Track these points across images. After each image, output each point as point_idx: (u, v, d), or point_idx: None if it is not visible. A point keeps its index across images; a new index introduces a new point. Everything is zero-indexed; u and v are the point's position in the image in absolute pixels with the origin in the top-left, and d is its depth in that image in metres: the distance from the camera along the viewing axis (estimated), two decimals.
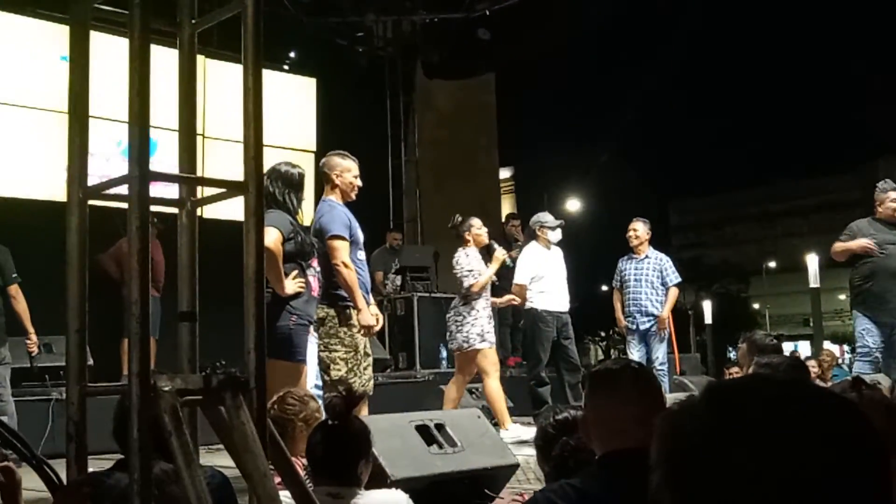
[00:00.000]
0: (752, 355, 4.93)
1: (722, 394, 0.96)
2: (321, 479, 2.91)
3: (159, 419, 1.87)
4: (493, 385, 7.57)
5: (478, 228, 7.77)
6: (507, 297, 8.49)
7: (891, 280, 7.64)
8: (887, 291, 7.65)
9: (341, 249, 5.77)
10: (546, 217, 8.75)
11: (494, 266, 7.69)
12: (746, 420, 0.89)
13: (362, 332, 5.86)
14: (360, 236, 6.05)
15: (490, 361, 7.57)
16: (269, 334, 5.32)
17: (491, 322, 7.68)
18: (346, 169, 6.04)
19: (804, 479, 0.85)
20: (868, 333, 7.62)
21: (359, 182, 6.08)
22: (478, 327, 7.51)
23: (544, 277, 8.43)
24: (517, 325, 10.82)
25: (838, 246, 7.83)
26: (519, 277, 8.55)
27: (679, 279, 9.23)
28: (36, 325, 7.24)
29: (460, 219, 7.84)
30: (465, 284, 7.55)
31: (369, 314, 5.86)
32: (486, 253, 7.91)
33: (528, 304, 8.45)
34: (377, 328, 6.08)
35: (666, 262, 9.14)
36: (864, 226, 7.84)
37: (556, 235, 8.59)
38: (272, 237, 5.20)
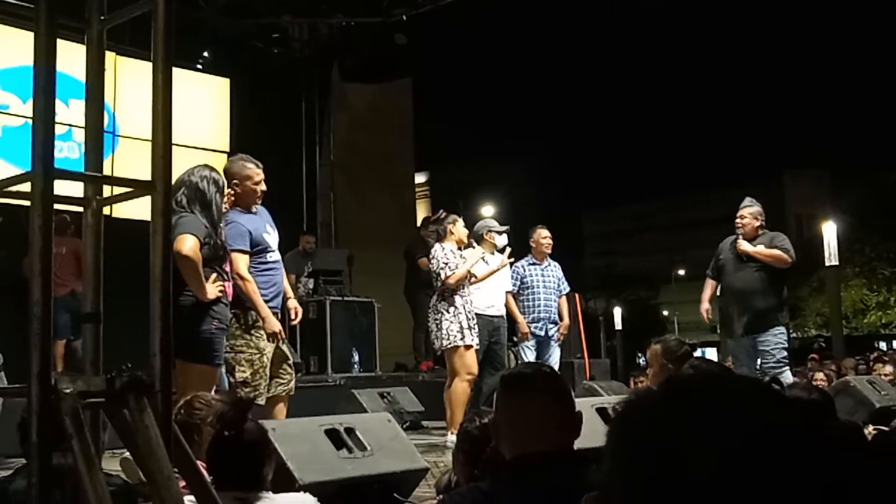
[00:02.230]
0: (666, 360, 5.02)
1: (678, 388, 0.97)
2: (225, 485, 2.88)
3: (60, 422, 1.84)
4: (460, 388, 7.35)
5: (462, 226, 7.67)
6: None
7: (730, 299, 7.97)
8: (728, 311, 8.00)
9: (238, 262, 5.78)
10: (493, 223, 8.75)
11: (472, 261, 7.54)
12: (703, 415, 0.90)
13: (269, 339, 5.87)
14: (269, 240, 6.05)
15: (463, 362, 7.37)
16: (193, 338, 5.29)
17: (471, 320, 7.45)
18: (246, 177, 5.97)
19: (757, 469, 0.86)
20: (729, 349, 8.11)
21: (262, 188, 6.03)
22: (456, 324, 7.33)
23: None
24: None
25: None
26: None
27: (569, 288, 9.40)
28: None
29: (444, 213, 7.75)
30: (442, 277, 7.38)
31: (273, 321, 5.89)
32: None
33: None
34: (286, 332, 6.16)
35: (560, 269, 9.28)
36: (724, 245, 8.15)
37: (503, 240, 8.56)
38: (189, 244, 5.14)
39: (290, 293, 6.39)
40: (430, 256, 7.63)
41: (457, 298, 7.44)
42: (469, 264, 7.52)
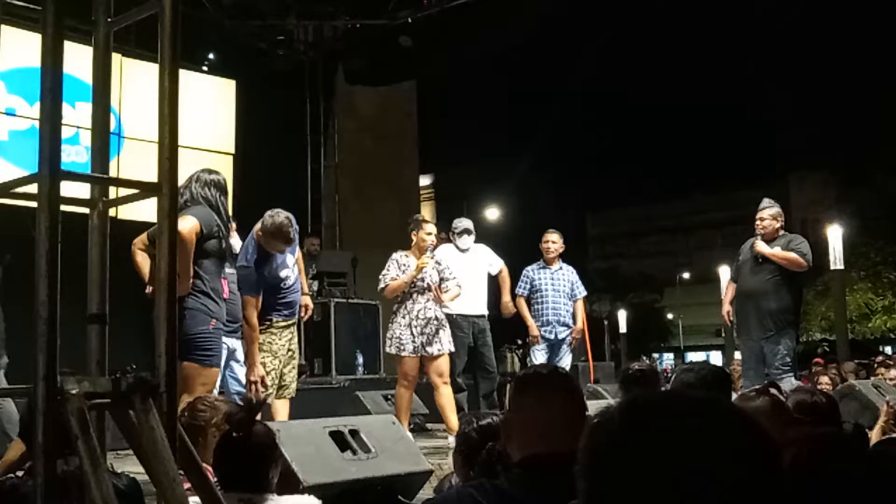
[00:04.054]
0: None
1: (635, 410, 1.00)
2: (231, 487, 2.88)
3: (66, 422, 1.84)
4: (398, 392, 7.51)
5: (425, 233, 7.42)
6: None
7: (743, 300, 7.94)
8: (741, 312, 7.97)
9: (249, 307, 6.13)
10: (456, 222, 8.66)
11: (411, 273, 7.34)
12: (653, 434, 0.93)
13: (248, 385, 6.13)
14: (284, 273, 6.31)
15: (400, 369, 7.42)
16: (188, 337, 5.31)
17: (413, 328, 7.31)
18: (285, 241, 6.23)
19: (698, 486, 0.89)
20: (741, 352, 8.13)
21: (292, 243, 6.34)
22: (397, 331, 7.35)
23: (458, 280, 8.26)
24: None
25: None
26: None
27: (585, 292, 9.31)
28: None
29: (419, 217, 7.74)
30: (379, 286, 7.46)
31: (258, 370, 6.11)
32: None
33: (444, 309, 8.21)
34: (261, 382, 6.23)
35: (575, 274, 9.19)
36: (744, 246, 8.12)
37: (465, 242, 8.42)
38: (189, 225, 5.10)
39: (306, 288, 6.69)
40: None
41: (401, 307, 7.43)
42: (405, 278, 7.37)
